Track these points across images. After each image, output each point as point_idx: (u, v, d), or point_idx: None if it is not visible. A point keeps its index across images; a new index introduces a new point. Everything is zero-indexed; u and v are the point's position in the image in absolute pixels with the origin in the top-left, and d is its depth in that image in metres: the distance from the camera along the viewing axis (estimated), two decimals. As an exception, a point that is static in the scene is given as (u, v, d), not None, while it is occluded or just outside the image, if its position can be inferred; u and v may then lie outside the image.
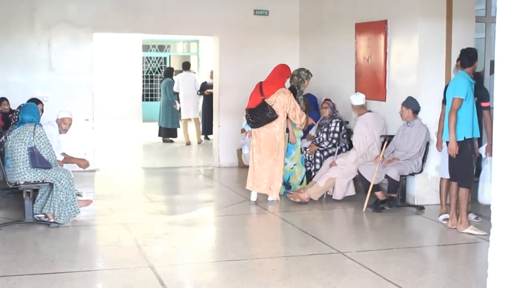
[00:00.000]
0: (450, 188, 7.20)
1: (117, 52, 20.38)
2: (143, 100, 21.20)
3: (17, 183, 7.01)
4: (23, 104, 7.63)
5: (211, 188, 10.17)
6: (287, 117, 8.35)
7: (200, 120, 15.43)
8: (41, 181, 7.03)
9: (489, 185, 7.02)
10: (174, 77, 15.67)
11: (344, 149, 8.79)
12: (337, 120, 8.80)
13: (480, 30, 9.05)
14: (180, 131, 15.29)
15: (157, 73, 21.61)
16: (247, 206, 8.33)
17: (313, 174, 8.69)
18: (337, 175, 8.34)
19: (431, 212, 7.66)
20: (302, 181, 8.66)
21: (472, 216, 7.33)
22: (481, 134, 7.42)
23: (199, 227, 7.46)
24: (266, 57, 10.75)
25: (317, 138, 8.87)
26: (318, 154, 8.73)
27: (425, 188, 8.16)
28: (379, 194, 7.98)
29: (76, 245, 6.69)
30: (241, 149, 10.15)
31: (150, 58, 21.79)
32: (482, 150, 7.26)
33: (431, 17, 8.01)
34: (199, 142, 14.89)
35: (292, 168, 8.63)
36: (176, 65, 20.81)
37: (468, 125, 6.83)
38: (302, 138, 8.83)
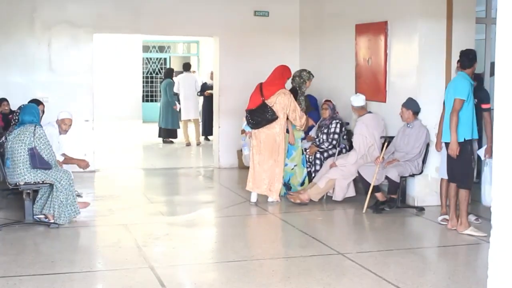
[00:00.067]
0: (449, 189, 7.20)
1: (117, 52, 20.40)
2: (143, 101, 21.21)
3: (17, 183, 7.01)
4: (23, 105, 7.63)
5: (211, 189, 10.17)
6: (287, 118, 8.35)
7: (200, 121, 15.43)
8: (41, 182, 7.03)
9: (489, 187, 7.03)
10: (174, 78, 15.68)
11: (344, 150, 8.79)
12: (337, 121, 8.81)
13: (480, 31, 9.05)
14: (180, 132, 15.29)
15: (157, 74, 21.61)
16: (247, 207, 8.33)
17: (313, 175, 8.69)
18: (337, 176, 8.34)
19: (431, 213, 7.66)
20: (303, 182, 8.66)
21: (472, 218, 7.33)
22: (481, 136, 7.43)
23: (199, 228, 7.46)
24: (266, 58, 10.75)
25: (317, 139, 8.87)
26: (318, 155, 8.73)
27: (425, 189, 8.16)
28: (379, 195, 7.99)
29: (76, 246, 6.69)
30: (241, 150, 10.14)
31: (150, 59, 21.80)
32: (481, 152, 7.26)
33: (431, 18, 8.02)
34: (198, 144, 14.89)
35: (292, 169, 8.63)
36: (176, 66, 20.80)
37: (468, 126, 6.83)
38: (303, 139, 8.83)
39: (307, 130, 8.95)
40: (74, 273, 5.60)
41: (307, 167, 8.72)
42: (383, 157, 7.90)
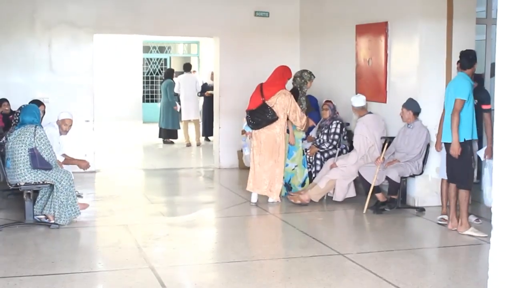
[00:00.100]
0: (449, 190, 7.21)
1: (117, 53, 20.39)
2: (143, 101, 21.20)
3: (18, 184, 7.01)
4: (24, 106, 7.63)
5: (212, 190, 10.17)
6: (288, 119, 8.35)
7: (200, 121, 15.44)
8: (41, 182, 7.03)
9: (490, 187, 7.04)
10: (174, 79, 15.69)
11: (344, 151, 8.79)
12: (338, 121, 8.81)
13: (480, 32, 9.05)
14: (180, 132, 15.30)
15: (157, 74, 21.61)
16: (248, 207, 8.33)
17: (313, 175, 8.69)
18: (338, 176, 8.34)
19: (432, 214, 7.66)
20: (304, 183, 8.65)
21: (472, 218, 7.33)
22: (481, 137, 7.42)
23: (199, 228, 7.46)
24: (266, 59, 10.75)
25: (317, 140, 8.87)
26: (318, 156, 8.73)
27: (426, 189, 8.16)
28: (379, 196, 7.99)
29: (77, 246, 6.69)
30: (241, 151, 10.15)
31: (151, 59, 21.80)
32: (481, 153, 7.26)
33: (431, 18, 8.02)
34: (198, 144, 14.89)
35: (293, 169, 8.63)
36: (176, 66, 20.81)
37: (468, 127, 6.84)
38: (303, 139, 8.82)
39: (307, 131, 8.95)
40: (74, 273, 5.60)
41: (307, 168, 8.72)
42: (383, 158, 7.90)
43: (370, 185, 7.85)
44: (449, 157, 7.12)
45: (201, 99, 15.55)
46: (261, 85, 8.44)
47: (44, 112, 8.44)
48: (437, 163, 7.81)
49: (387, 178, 7.79)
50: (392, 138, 8.20)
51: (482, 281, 4.88)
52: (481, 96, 7.40)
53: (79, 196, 8.03)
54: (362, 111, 8.46)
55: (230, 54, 11.28)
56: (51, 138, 7.29)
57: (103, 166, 11.21)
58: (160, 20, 11.01)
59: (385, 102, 8.74)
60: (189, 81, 15.15)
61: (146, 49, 21.48)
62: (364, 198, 8.00)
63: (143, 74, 21.43)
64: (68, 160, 8.00)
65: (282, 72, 8.47)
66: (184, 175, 11.34)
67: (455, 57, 7.54)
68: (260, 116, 8.24)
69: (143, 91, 21.39)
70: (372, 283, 5.35)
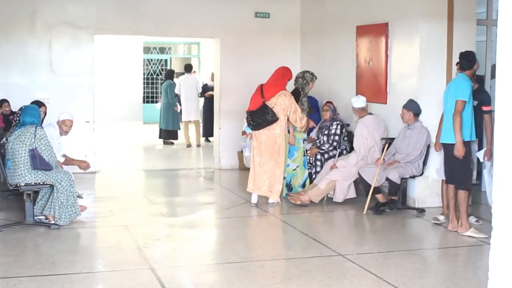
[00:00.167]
0: (448, 191, 7.21)
1: (118, 54, 20.41)
2: (143, 102, 21.21)
3: (18, 184, 7.01)
4: (24, 106, 7.63)
5: (212, 190, 10.17)
6: (288, 120, 8.35)
7: (201, 122, 15.44)
8: (41, 183, 7.03)
9: (489, 188, 7.05)
10: (175, 79, 15.69)
11: (345, 152, 8.78)
12: (338, 122, 8.80)
13: (481, 33, 9.05)
14: (180, 133, 15.30)
15: (158, 75, 21.62)
16: (248, 208, 8.33)
17: (313, 176, 8.69)
18: (338, 177, 8.34)
19: (432, 215, 7.65)
20: (304, 184, 8.65)
21: (473, 219, 7.33)
22: (481, 138, 7.42)
23: (199, 229, 7.46)
24: (267, 60, 10.77)
25: (318, 141, 8.87)
26: (319, 157, 8.73)
27: (426, 190, 8.16)
28: (379, 197, 7.99)
29: (77, 247, 6.69)
30: (241, 151, 10.15)
31: (151, 60, 21.81)
32: (480, 154, 7.26)
33: (432, 20, 8.02)
34: (198, 145, 14.89)
35: (294, 169, 8.63)
36: (177, 67, 20.83)
37: (467, 128, 6.84)
38: (304, 140, 8.82)
39: (307, 132, 8.94)
40: (74, 274, 5.60)
41: (307, 169, 8.72)
42: (383, 159, 7.90)
43: (370, 186, 7.85)
44: (447, 157, 7.13)
45: (201, 99, 15.55)
46: (261, 86, 8.44)
47: (45, 113, 8.43)
48: (437, 164, 7.81)
49: (387, 179, 7.79)
50: (393, 139, 8.20)
51: (482, 282, 4.88)
52: (482, 97, 7.40)
53: (79, 196, 8.03)
54: (363, 112, 8.46)
55: (231, 55, 11.29)
56: (51, 138, 7.29)
57: (103, 167, 11.21)
58: (161, 21, 11.01)
59: (386, 103, 8.75)
60: (190, 82, 15.16)
61: (147, 50, 21.49)
62: (364, 199, 8.00)
63: (144, 75, 21.45)
64: (68, 161, 8.00)
65: (283, 73, 8.47)
66: (184, 176, 11.34)
67: (456, 58, 7.53)
68: (260, 117, 8.24)
69: (144, 92, 21.40)
70: (372, 284, 5.35)
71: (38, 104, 8.16)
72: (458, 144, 6.77)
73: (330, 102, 8.97)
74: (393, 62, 8.63)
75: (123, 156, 13.33)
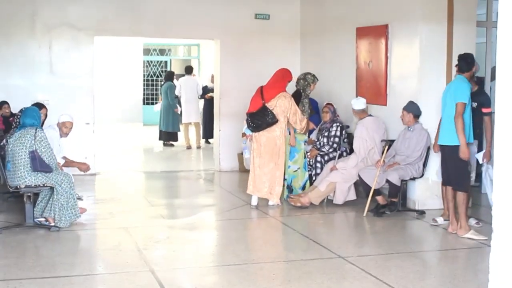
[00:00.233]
0: (446, 193, 7.22)
1: (118, 55, 20.42)
2: (143, 104, 21.21)
3: (18, 186, 7.01)
4: (24, 108, 7.63)
5: (212, 192, 10.16)
6: (288, 121, 8.35)
7: (201, 124, 15.43)
8: (42, 185, 7.03)
9: (489, 190, 7.05)
10: (175, 81, 15.69)
11: (345, 154, 8.78)
12: (338, 124, 8.80)
13: (481, 35, 9.06)
14: (180, 135, 15.29)
15: (157, 76, 21.62)
16: (248, 210, 8.32)
17: (313, 178, 8.69)
18: (338, 179, 8.33)
19: (432, 217, 7.64)
20: (304, 186, 8.65)
21: (473, 221, 7.33)
22: (481, 140, 7.42)
23: (199, 231, 7.45)
24: (267, 61, 10.77)
25: (318, 143, 8.87)
26: (319, 159, 8.73)
27: (426, 192, 8.16)
28: (380, 199, 7.98)
29: (77, 249, 6.69)
30: (241, 153, 10.14)
31: (151, 61, 21.80)
32: (480, 156, 7.26)
33: (432, 21, 8.02)
34: (198, 147, 14.89)
35: (295, 171, 8.63)
36: (177, 69, 20.83)
37: (466, 130, 6.84)
38: (305, 142, 8.81)
39: (307, 134, 8.94)
40: (74, 276, 5.59)
41: (307, 171, 8.72)
42: (383, 161, 7.89)
43: (370, 188, 7.85)
44: (444, 159, 7.15)
45: (201, 101, 15.55)
46: (261, 87, 8.44)
47: (46, 116, 8.43)
48: (437, 166, 7.80)
49: (387, 181, 7.79)
50: (393, 141, 8.20)
51: (482, 284, 4.87)
52: (481, 99, 7.40)
53: (79, 198, 8.03)
54: (363, 113, 8.46)
55: (231, 56, 11.29)
56: (51, 140, 7.29)
57: (104, 169, 11.20)
58: (161, 23, 11.01)
59: (386, 104, 8.74)
60: (190, 84, 15.16)
61: (147, 51, 21.48)
62: (364, 201, 8.00)
63: (144, 76, 21.44)
64: (69, 163, 8.00)
65: (283, 75, 8.47)
66: (184, 177, 11.34)
67: (456, 60, 7.54)
68: (260, 118, 8.24)
69: (144, 94, 21.40)
70: (372, 286, 5.34)
71: (39, 106, 8.16)
72: (462, 146, 6.78)
73: (330, 104, 8.97)
74: (393, 64, 8.63)
75: (123, 158, 13.33)
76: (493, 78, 9.07)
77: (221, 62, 11.35)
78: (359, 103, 8.45)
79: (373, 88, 8.99)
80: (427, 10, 8.05)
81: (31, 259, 6.13)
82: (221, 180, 10.86)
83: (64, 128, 7.83)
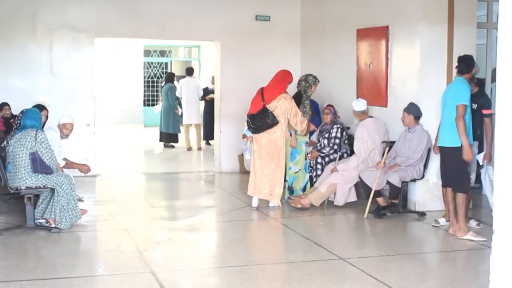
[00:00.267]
0: (446, 195, 7.22)
1: (118, 57, 20.43)
2: (144, 105, 21.22)
3: (19, 188, 7.01)
4: (25, 109, 7.63)
5: (212, 194, 10.16)
6: (289, 123, 8.35)
7: (201, 125, 15.43)
8: (42, 186, 7.03)
9: (489, 192, 7.05)
10: (175, 82, 15.69)
11: (345, 155, 8.78)
12: (338, 125, 8.80)
13: (481, 36, 9.06)
14: (181, 136, 15.29)
15: (158, 78, 21.62)
16: (249, 212, 8.32)
17: (314, 180, 8.69)
18: (339, 181, 8.33)
19: (433, 218, 7.64)
20: (305, 187, 8.65)
21: (473, 223, 7.33)
22: (482, 141, 7.42)
23: (200, 232, 7.45)
24: (267, 63, 10.77)
25: (318, 144, 8.87)
26: (319, 160, 8.73)
27: (427, 194, 8.15)
28: (380, 200, 7.98)
29: (77, 251, 6.68)
30: (242, 155, 10.14)
31: (151, 63, 21.80)
32: (480, 157, 7.26)
33: (432, 23, 8.02)
34: (199, 148, 14.89)
35: (296, 172, 8.63)
36: (177, 70, 20.83)
37: (466, 131, 6.84)
38: (307, 143, 8.80)
39: (308, 135, 8.94)
40: (75, 277, 5.59)
41: (308, 172, 8.72)
42: (384, 162, 7.89)
43: (371, 189, 7.85)
44: (444, 161, 7.16)
45: (202, 103, 15.55)
46: (262, 89, 8.44)
47: (47, 117, 8.43)
48: (437, 167, 7.77)
49: (388, 182, 7.78)
50: (393, 142, 8.20)
51: (483, 286, 4.87)
52: (481, 100, 7.40)
53: (80, 200, 8.02)
54: (363, 115, 8.46)
55: (231, 58, 11.29)
56: (52, 142, 7.29)
57: (104, 170, 11.20)
58: (161, 24, 11.01)
59: (386, 106, 8.74)
60: (191, 85, 15.16)
61: (147, 53, 21.48)
62: (365, 203, 8.00)
63: (144, 78, 21.44)
64: (69, 164, 8.00)
65: (283, 76, 8.47)
66: (184, 179, 11.34)
67: (456, 62, 7.54)
68: (260, 120, 8.24)
69: (144, 95, 21.41)
70: (373, 288, 5.35)
71: (40, 108, 8.16)
72: (466, 148, 6.79)
73: (331, 105, 8.97)
74: (394, 65, 8.63)
75: (124, 159, 13.34)
76: (493, 79, 9.07)
77: (222, 64, 11.35)
78: (360, 105, 8.45)
79: (374, 89, 8.99)
80: (427, 11, 8.05)
81: (31, 260, 6.13)
82: (221, 182, 10.86)
83: (65, 130, 7.83)
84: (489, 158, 7.13)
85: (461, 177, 7.01)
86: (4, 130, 9.14)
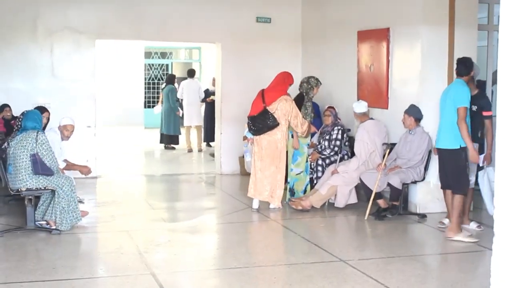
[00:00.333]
0: (446, 197, 7.21)
1: (119, 58, 20.45)
2: (145, 107, 21.22)
3: (19, 189, 7.00)
4: (26, 111, 7.63)
5: (213, 196, 10.15)
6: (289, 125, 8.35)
7: (202, 127, 15.43)
8: (43, 188, 7.03)
9: (488, 196, 7.05)
10: (176, 84, 15.69)
11: (346, 157, 8.78)
12: (339, 127, 8.80)
13: (482, 38, 9.06)
14: (182, 138, 15.29)
15: (159, 80, 21.64)
16: (249, 213, 8.31)
17: (315, 181, 8.69)
18: (339, 182, 8.33)
19: (433, 220, 7.65)
20: (305, 189, 8.65)
21: (474, 225, 7.32)
22: (482, 143, 7.43)
23: (201, 234, 7.45)
24: (268, 65, 10.76)
25: (319, 146, 8.87)
26: (320, 162, 8.73)
27: (427, 196, 8.15)
28: (381, 202, 7.98)
29: (78, 252, 6.68)
30: (243, 157, 10.14)
31: (152, 65, 21.83)
32: (480, 158, 7.25)
33: (433, 25, 8.02)
34: (200, 150, 14.89)
35: (298, 174, 8.62)
36: (178, 72, 20.84)
37: None
38: (308, 145, 8.80)
39: (310, 137, 8.94)
40: (75, 279, 5.59)
41: (309, 174, 8.71)
42: (385, 164, 7.89)
43: (371, 191, 7.84)
44: (442, 162, 7.16)
45: (203, 104, 15.55)
46: (262, 91, 8.44)
47: (48, 119, 8.42)
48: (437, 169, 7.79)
49: (388, 184, 7.78)
50: (394, 144, 8.20)
51: (484, 288, 4.87)
52: (482, 102, 7.39)
53: (80, 202, 8.02)
54: (364, 117, 8.46)
55: (232, 60, 11.29)
56: (52, 143, 7.29)
57: (105, 172, 11.21)
58: (162, 26, 11.02)
59: (387, 108, 8.74)
60: (193, 87, 15.16)
61: (148, 54, 21.51)
62: (365, 204, 7.99)
63: (145, 79, 21.46)
64: (70, 166, 8.00)
65: (284, 78, 8.47)
66: (185, 181, 11.34)
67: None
68: (261, 122, 8.24)
69: (145, 97, 21.42)
70: (374, 290, 5.35)
71: (42, 109, 8.15)
72: (471, 150, 6.81)
73: (332, 107, 8.98)
74: (394, 67, 8.63)
75: (124, 161, 13.34)
76: (494, 81, 9.07)
77: (223, 66, 11.35)
78: (361, 107, 8.45)
79: (375, 91, 8.99)
80: (428, 13, 8.05)
81: (32, 262, 6.13)
82: (222, 183, 10.86)
83: (66, 131, 7.83)
84: (490, 160, 7.14)
85: (460, 179, 7.01)
86: (5, 131, 9.14)
